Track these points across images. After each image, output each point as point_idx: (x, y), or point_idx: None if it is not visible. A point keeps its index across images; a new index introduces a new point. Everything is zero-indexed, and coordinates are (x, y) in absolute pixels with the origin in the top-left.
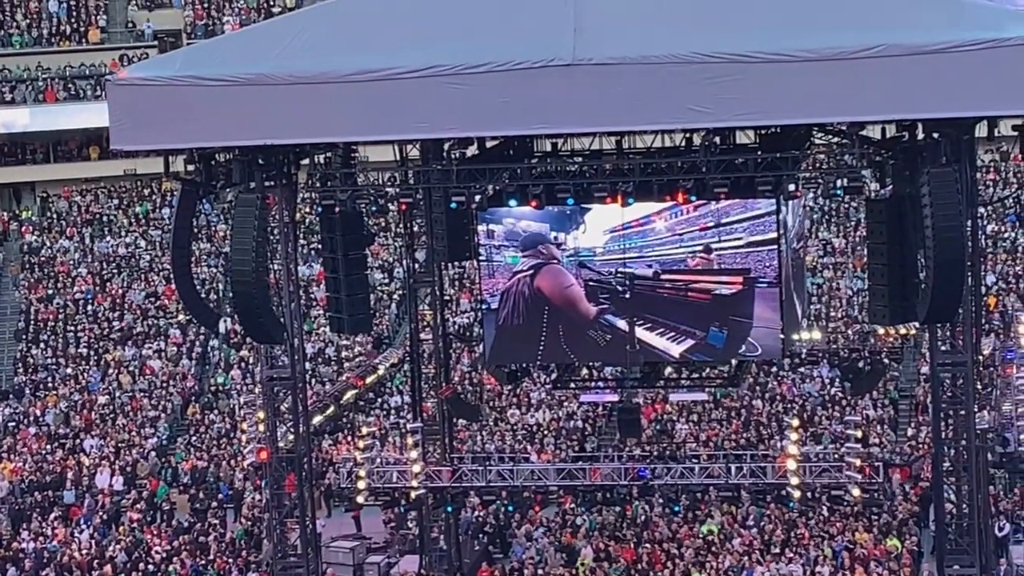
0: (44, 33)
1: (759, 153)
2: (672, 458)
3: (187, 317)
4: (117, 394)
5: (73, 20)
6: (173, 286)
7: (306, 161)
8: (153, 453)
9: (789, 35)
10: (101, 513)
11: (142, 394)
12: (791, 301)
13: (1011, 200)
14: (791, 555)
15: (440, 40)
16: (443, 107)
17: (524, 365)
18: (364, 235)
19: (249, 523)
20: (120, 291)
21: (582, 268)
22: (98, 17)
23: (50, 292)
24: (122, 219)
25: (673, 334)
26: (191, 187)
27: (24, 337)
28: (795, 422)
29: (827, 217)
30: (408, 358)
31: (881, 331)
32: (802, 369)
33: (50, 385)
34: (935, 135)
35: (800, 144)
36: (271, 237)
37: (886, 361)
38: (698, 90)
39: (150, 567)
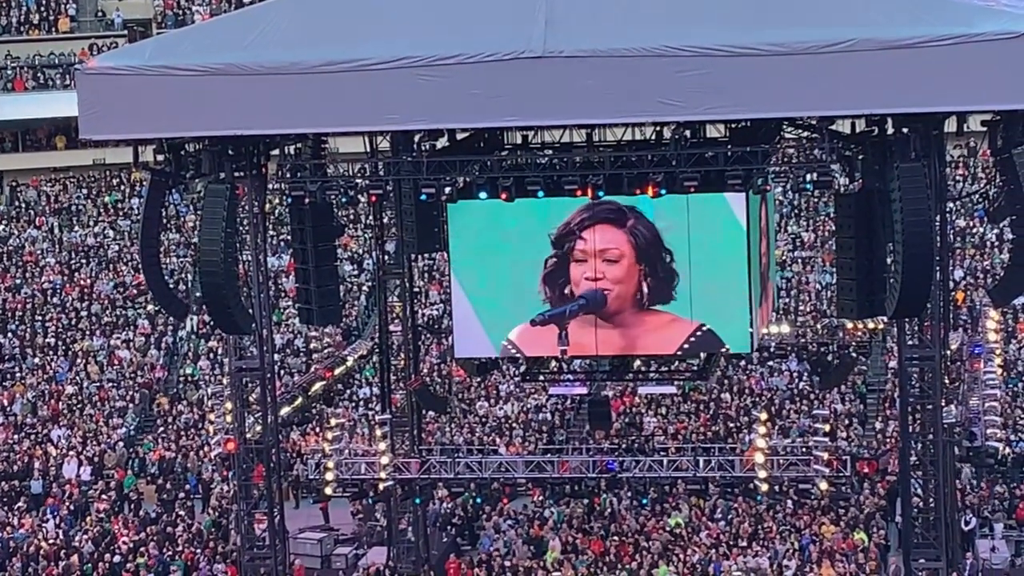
0: (13, 22)
1: (729, 147)
2: (640, 451)
3: (156, 307)
4: (85, 384)
5: (43, 9)
6: (142, 276)
7: (276, 152)
8: (121, 443)
9: (760, 29)
10: (68, 503)
11: (110, 384)
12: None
13: (979, 195)
14: (758, 548)
15: (411, 31)
16: (413, 99)
17: (493, 357)
18: (334, 226)
19: (217, 514)
20: (89, 281)
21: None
22: (68, 6)
23: (18, 282)
24: (91, 209)
25: None
26: (160, 177)
27: None
28: (763, 415)
29: (796, 211)
30: (377, 350)
31: (849, 325)
32: (771, 363)
33: (17, 375)
34: (904, 130)
35: (770, 138)
36: (240, 228)
37: (854, 355)
38: (668, 83)
39: (117, 557)
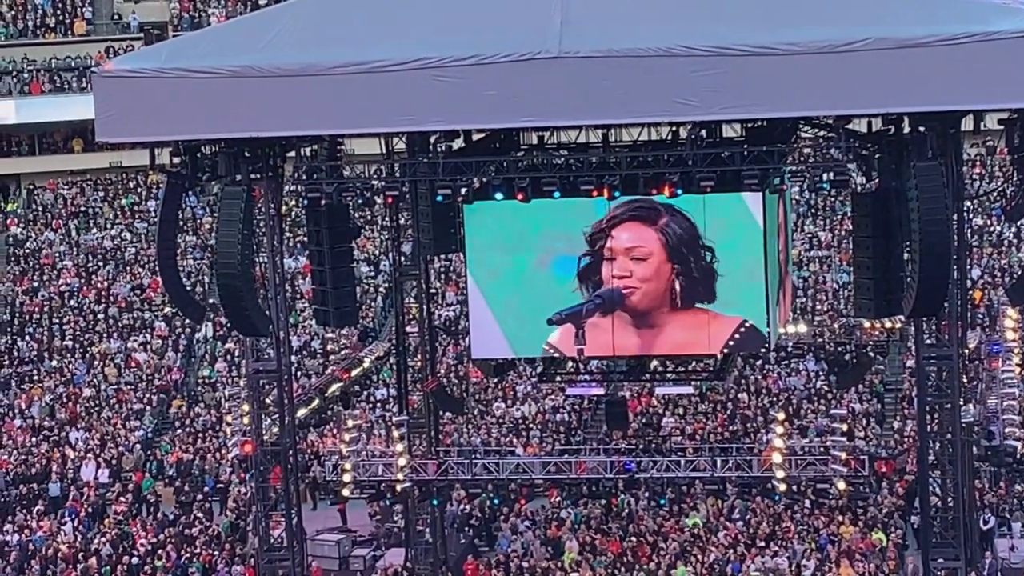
0: (29, 25)
1: (745, 146)
2: (658, 451)
3: (173, 310)
4: (102, 387)
5: (59, 12)
6: (159, 279)
7: (292, 154)
8: (138, 446)
9: (776, 28)
10: (86, 506)
11: (128, 387)
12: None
13: (997, 194)
14: (776, 548)
15: (426, 32)
16: (429, 100)
17: (510, 358)
18: (350, 228)
19: (234, 516)
20: (106, 283)
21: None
22: (84, 9)
23: (35, 284)
24: (108, 211)
25: None
26: (177, 179)
27: (9, 329)
28: (780, 415)
29: (813, 211)
30: (394, 351)
31: (867, 324)
32: (788, 362)
33: (35, 377)
34: (921, 129)
35: (786, 137)
36: (257, 230)
37: (871, 354)
38: (684, 83)
39: (135, 560)
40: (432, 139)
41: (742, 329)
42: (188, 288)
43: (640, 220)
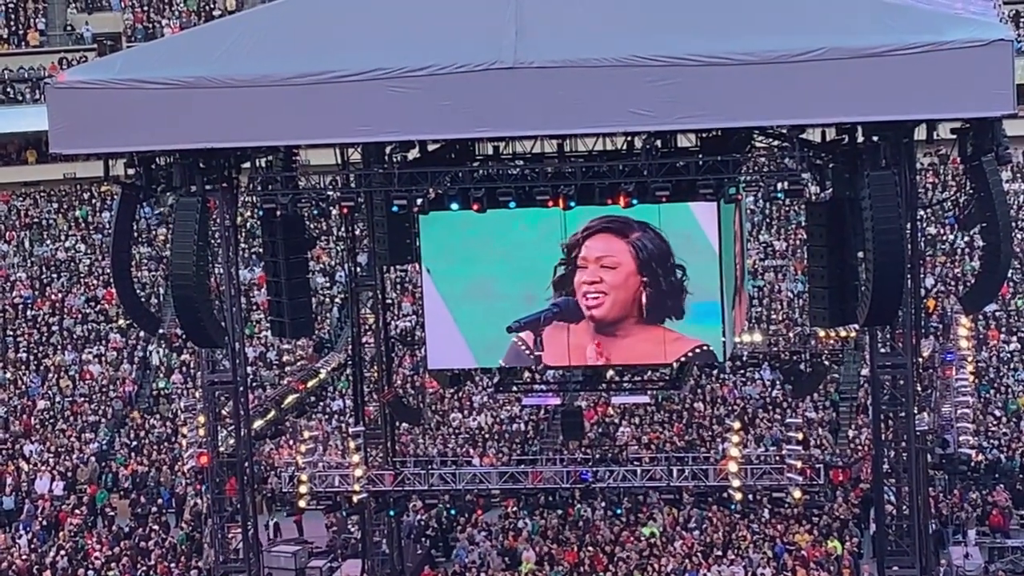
0: None
1: (700, 156)
2: (614, 461)
3: (128, 321)
4: (57, 399)
5: (12, 23)
6: (113, 290)
7: (247, 164)
8: (93, 458)
9: (730, 39)
10: (41, 519)
11: (82, 399)
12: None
13: (950, 203)
14: (733, 557)
15: (382, 43)
16: (384, 110)
17: (466, 368)
18: (305, 239)
19: (190, 528)
20: (60, 295)
21: None
22: (37, 20)
23: None
24: (62, 223)
25: None
26: (131, 191)
27: None
28: (736, 425)
29: (768, 220)
30: (350, 362)
31: (822, 333)
32: (743, 372)
33: None
34: (875, 138)
35: (741, 147)
36: (212, 241)
37: (827, 363)
38: (639, 93)
39: (90, 573)
40: (387, 149)
41: (697, 350)
42: (143, 300)
43: (612, 232)
